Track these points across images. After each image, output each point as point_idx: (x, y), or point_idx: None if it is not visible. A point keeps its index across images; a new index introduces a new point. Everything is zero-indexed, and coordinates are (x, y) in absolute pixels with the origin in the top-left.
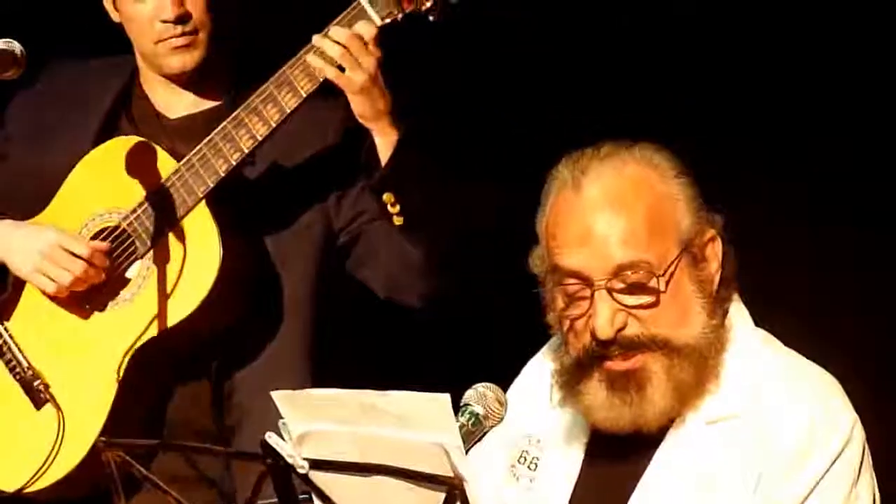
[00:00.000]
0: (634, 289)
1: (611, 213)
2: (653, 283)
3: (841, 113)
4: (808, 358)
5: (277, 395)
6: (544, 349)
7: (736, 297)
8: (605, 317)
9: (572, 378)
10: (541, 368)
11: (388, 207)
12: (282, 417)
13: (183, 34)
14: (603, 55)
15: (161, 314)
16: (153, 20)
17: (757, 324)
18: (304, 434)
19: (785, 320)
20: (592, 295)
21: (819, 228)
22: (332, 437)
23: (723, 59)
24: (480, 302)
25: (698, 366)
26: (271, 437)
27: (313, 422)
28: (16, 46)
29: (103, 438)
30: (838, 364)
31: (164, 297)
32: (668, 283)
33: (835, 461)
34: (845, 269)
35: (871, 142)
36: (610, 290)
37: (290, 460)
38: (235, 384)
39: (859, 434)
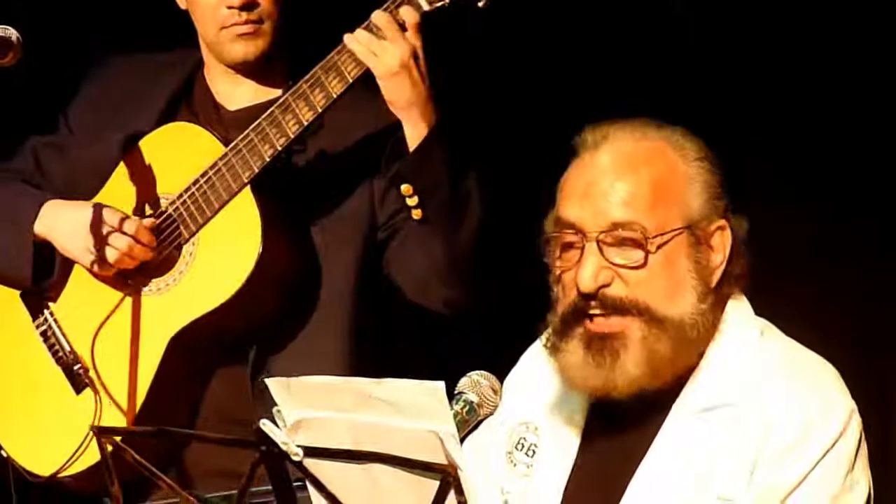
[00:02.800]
0: (624, 247)
1: (617, 174)
2: (644, 244)
3: (842, 108)
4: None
5: (272, 382)
6: (542, 337)
7: (741, 296)
8: (590, 269)
9: (557, 337)
10: (538, 356)
11: (407, 200)
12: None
13: (247, 22)
14: (600, 56)
15: (200, 299)
16: (219, 6)
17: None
18: (299, 421)
19: (786, 314)
20: (584, 248)
21: (819, 225)
22: (326, 424)
23: (722, 59)
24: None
25: (677, 342)
26: (266, 425)
27: (308, 409)
28: (12, 33)
29: (97, 426)
30: (839, 357)
31: (204, 282)
32: (659, 248)
33: (830, 449)
34: (846, 263)
35: (874, 137)
36: (600, 245)
37: (284, 448)
38: (273, 373)
39: (856, 423)
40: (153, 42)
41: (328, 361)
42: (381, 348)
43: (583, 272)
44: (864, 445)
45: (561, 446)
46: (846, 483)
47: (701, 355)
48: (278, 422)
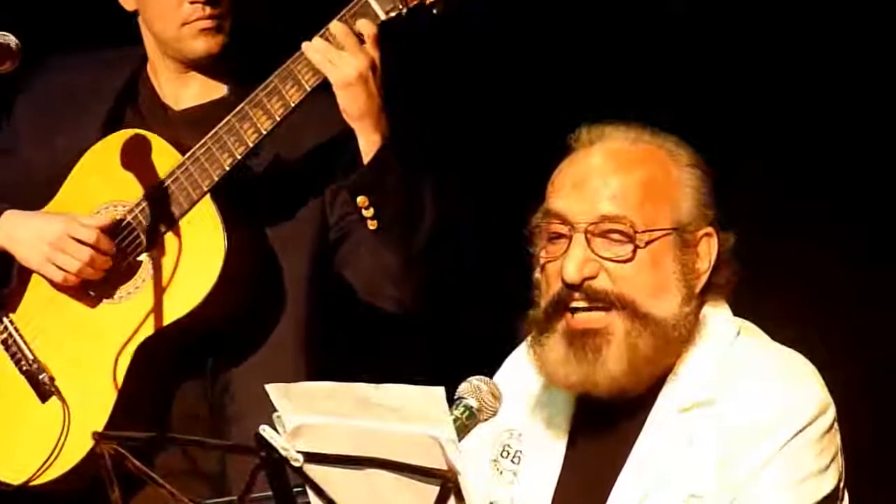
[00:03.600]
0: (612, 241)
1: (609, 171)
2: (633, 238)
3: (841, 110)
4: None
5: (272, 388)
6: (523, 344)
7: (722, 301)
8: (576, 259)
9: (538, 330)
10: (521, 362)
11: (363, 211)
12: (276, 410)
13: (211, 17)
14: (594, 57)
15: (166, 307)
16: (181, 1)
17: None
18: (299, 427)
19: (779, 319)
20: (571, 239)
21: (815, 226)
22: (326, 430)
23: (722, 59)
24: (471, 297)
25: (658, 341)
26: (266, 430)
27: (308, 415)
28: (11, 39)
29: (98, 431)
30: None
31: (169, 290)
32: (647, 244)
33: (796, 436)
34: (841, 267)
35: (869, 142)
36: (588, 237)
37: (284, 453)
38: (232, 376)
39: (827, 417)
40: (92, 42)
41: (285, 361)
42: (337, 348)
43: (568, 262)
44: (835, 439)
45: (547, 452)
46: (811, 470)
47: (679, 357)
48: (278, 427)
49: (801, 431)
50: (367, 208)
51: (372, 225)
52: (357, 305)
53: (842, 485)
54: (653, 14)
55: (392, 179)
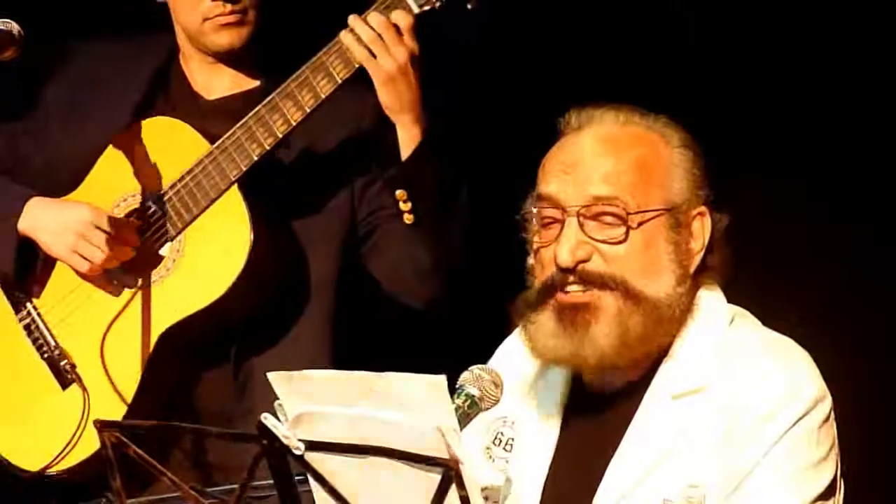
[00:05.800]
0: (605, 223)
1: (600, 152)
2: (625, 219)
3: (842, 109)
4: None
5: (273, 376)
6: (515, 332)
7: (715, 285)
8: (569, 243)
9: (530, 310)
10: (512, 350)
11: (400, 204)
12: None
13: (232, 12)
14: (609, 56)
15: (190, 297)
16: None
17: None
18: (301, 415)
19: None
20: (564, 223)
21: (816, 226)
22: (328, 418)
23: (722, 59)
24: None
25: (650, 321)
26: (267, 419)
27: (310, 403)
28: (13, 26)
29: (100, 419)
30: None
31: (193, 280)
32: (640, 225)
33: (791, 427)
34: (842, 266)
35: (870, 139)
36: (580, 219)
37: (286, 441)
38: (255, 367)
39: (824, 407)
40: (121, 29)
41: (309, 353)
42: (363, 341)
43: (561, 246)
44: (832, 430)
45: (539, 440)
46: (807, 462)
47: (672, 340)
48: (280, 415)
49: (800, 420)
50: (405, 202)
51: (408, 219)
52: (381, 301)
53: (839, 475)
54: (652, 11)
55: (431, 173)
